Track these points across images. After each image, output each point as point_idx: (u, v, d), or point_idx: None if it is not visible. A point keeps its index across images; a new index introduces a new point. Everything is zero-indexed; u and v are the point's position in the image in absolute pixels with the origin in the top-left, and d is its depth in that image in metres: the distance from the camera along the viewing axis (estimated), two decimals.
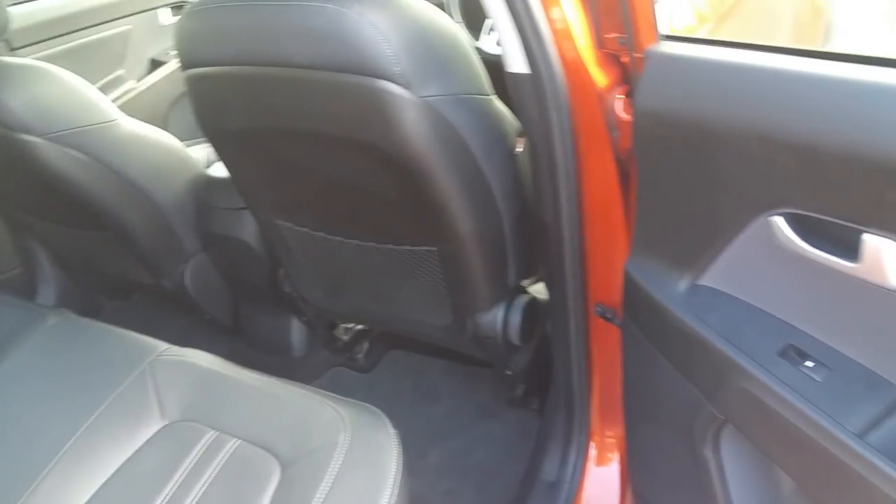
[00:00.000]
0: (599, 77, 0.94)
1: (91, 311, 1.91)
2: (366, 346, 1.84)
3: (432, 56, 0.99)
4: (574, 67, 0.94)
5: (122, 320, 1.39)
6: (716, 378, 0.85)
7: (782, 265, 0.77)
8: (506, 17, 0.94)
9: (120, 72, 2.27)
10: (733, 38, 0.81)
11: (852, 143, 0.64)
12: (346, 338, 1.82)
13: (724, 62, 0.77)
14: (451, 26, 1.04)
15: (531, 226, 1.19)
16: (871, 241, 0.65)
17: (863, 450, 0.68)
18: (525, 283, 1.34)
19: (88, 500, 1.02)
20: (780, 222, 0.74)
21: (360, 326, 1.83)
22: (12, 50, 1.92)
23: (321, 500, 0.92)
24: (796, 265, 0.75)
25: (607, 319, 1.12)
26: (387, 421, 1.05)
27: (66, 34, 2.06)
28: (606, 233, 1.07)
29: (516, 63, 0.97)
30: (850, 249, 0.67)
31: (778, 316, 0.82)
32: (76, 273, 1.96)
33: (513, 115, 1.11)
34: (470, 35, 1.88)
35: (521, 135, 1.12)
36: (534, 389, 1.55)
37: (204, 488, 1.00)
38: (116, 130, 1.48)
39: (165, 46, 2.39)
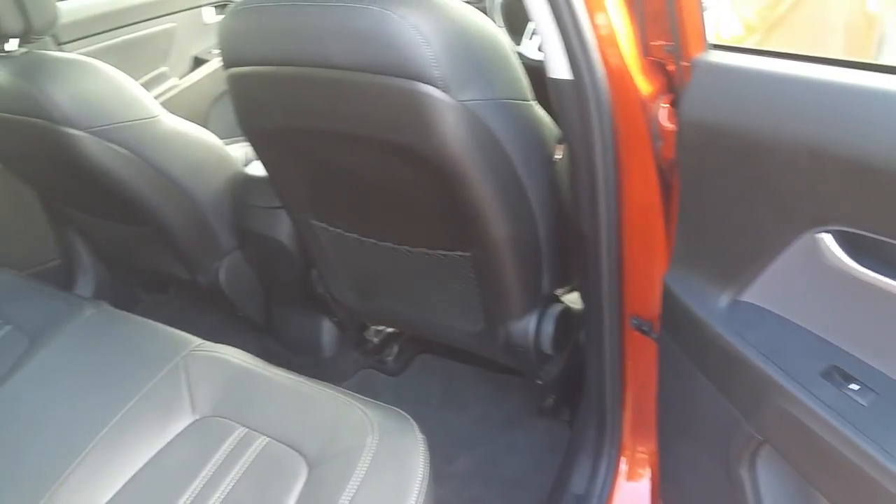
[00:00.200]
0: (644, 85, 0.93)
1: (127, 303, 1.93)
2: (395, 349, 1.84)
3: (473, 60, 0.98)
4: (618, 74, 0.93)
5: (156, 314, 1.40)
6: (755, 397, 0.83)
7: (828, 283, 0.75)
8: (549, 21, 0.92)
9: (163, 69, 2.30)
10: (783, 49, 0.79)
11: None
12: (376, 340, 1.82)
13: (774, 73, 0.75)
14: (493, 30, 1.04)
15: (567, 234, 1.17)
16: None
17: None
18: (559, 291, 1.33)
19: (118, 492, 1.03)
20: (827, 239, 0.72)
21: (390, 329, 1.82)
22: (59, 45, 1.96)
23: (347, 501, 0.92)
24: (843, 284, 0.72)
25: (643, 332, 1.10)
26: (415, 425, 1.04)
27: (112, 30, 2.10)
28: (645, 244, 1.05)
29: (558, 68, 0.96)
30: None
31: (822, 336, 0.79)
32: (114, 266, 1.99)
33: (553, 121, 1.10)
34: (511, 39, 1.87)
35: (560, 141, 1.11)
36: (564, 400, 1.53)
37: (231, 485, 1.00)
38: (158, 127, 1.50)
39: (208, 45, 2.42)
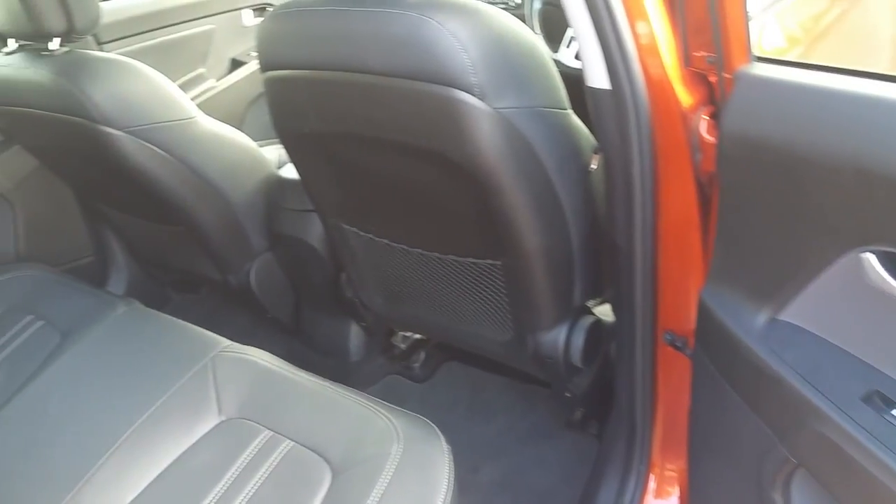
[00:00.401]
0: (684, 96, 0.91)
1: (158, 302, 1.96)
2: (422, 355, 1.83)
3: (510, 67, 0.97)
4: (658, 85, 0.91)
5: (186, 313, 1.41)
6: (791, 419, 0.81)
7: (871, 305, 0.72)
8: (589, 30, 0.91)
9: (201, 70, 2.32)
10: (828, 62, 0.77)
11: None
12: (403, 346, 1.82)
13: (820, 87, 0.73)
14: (531, 38, 1.03)
15: (600, 245, 1.16)
16: None
17: None
18: (590, 303, 1.31)
19: (143, 490, 1.04)
20: (872, 259, 0.70)
21: (417, 336, 1.82)
22: (100, 44, 1.99)
23: None
24: (887, 305, 0.71)
25: (677, 348, 1.08)
26: (440, 435, 1.04)
27: (152, 31, 2.13)
28: (681, 258, 1.03)
29: (597, 77, 0.95)
30: None
31: (863, 359, 0.77)
32: (146, 264, 2.01)
33: (589, 130, 1.09)
34: (548, 47, 1.86)
35: (596, 151, 1.10)
36: (593, 413, 1.51)
37: (255, 488, 1.01)
38: (195, 128, 1.51)
39: (246, 47, 2.44)
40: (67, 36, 1.41)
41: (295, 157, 1.29)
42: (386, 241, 1.32)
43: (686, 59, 0.91)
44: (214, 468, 1.05)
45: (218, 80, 2.37)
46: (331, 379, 1.17)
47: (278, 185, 1.65)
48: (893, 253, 0.68)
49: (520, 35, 1.01)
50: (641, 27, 0.90)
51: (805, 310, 0.81)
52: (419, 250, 1.28)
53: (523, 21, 1.08)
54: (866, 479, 0.71)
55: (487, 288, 1.26)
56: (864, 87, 0.70)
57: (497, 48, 0.96)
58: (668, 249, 1.03)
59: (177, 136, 1.47)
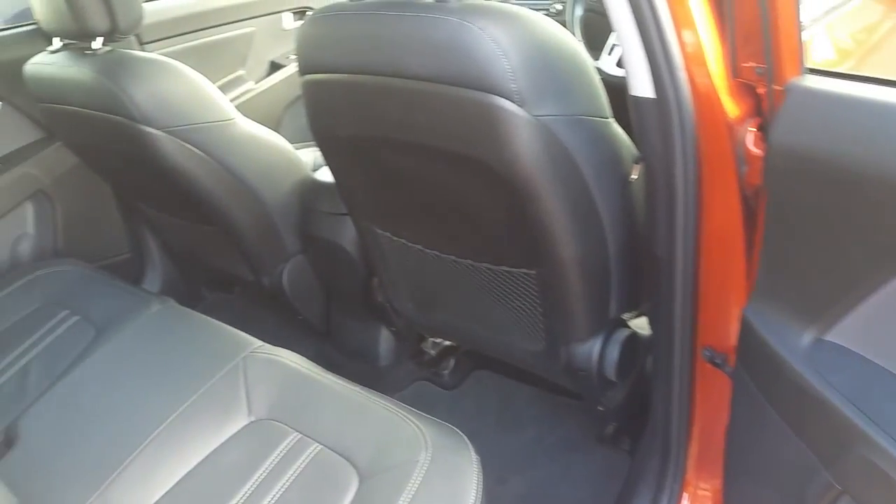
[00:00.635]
0: (731, 107, 0.89)
1: (192, 300, 1.97)
2: (452, 362, 1.81)
3: (551, 75, 0.96)
4: (704, 95, 0.89)
5: (218, 313, 1.42)
6: (836, 444, 0.78)
7: None
8: (635, 37, 0.89)
9: (240, 72, 2.34)
10: (884, 76, 0.75)
11: None
12: (433, 352, 1.81)
13: (875, 101, 0.71)
14: (573, 45, 1.01)
15: (639, 257, 1.13)
16: None
17: None
18: (626, 316, 1.29)
19: (171, 488, 1.04)
20: None
21: (448, 342, 1.81)
22: (142, 44, 2.01)
23: None
24: None
25: (716, 365, 1.05)
26: (469, 444, 1.03)
27: (193, 32, 2.15)
28: (724, 273, 1.00)
29: (641, 86, 0.93)
30: None
31: None
32: (182, 263, 2.03)
33: (630, 139, 1.07)
34: (589, 54, 1.84)
35: (637, 161, 1.07)
36: (626, 428, 1.48)
37: (283, 490, 1.01)
38: (233, 129, 1.52)
39: (286, 50, 2.45)
40: (110, 35, 1.43)
41: (330, 160, 1.29)
42: (419, 246, 1.31)
43: (734, 70, 0.88)
44: (242, 468, 1.05)
45: (257, 82, 2.39)
46: (359, 383, 1.16)
47: (313, 188, 1.65)
48: None
49: (562, 41, 0.99)
50: (688, 35, 0.88)
51: (853, 331, 0.78)
52: (452, 257, 1.27)
53: (565, 27, 1.07)
54: None
55: (521, 297, 1.24)
56: None
57: (538, 54, 0.94)
58: (709, 262, 1.01)
59: (215, 137, 1.48)
